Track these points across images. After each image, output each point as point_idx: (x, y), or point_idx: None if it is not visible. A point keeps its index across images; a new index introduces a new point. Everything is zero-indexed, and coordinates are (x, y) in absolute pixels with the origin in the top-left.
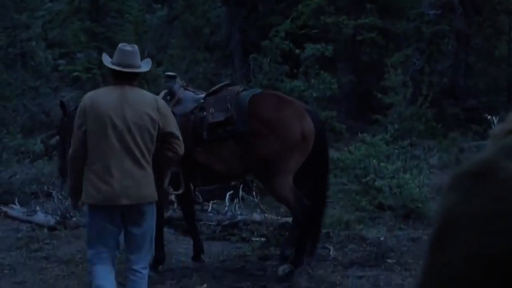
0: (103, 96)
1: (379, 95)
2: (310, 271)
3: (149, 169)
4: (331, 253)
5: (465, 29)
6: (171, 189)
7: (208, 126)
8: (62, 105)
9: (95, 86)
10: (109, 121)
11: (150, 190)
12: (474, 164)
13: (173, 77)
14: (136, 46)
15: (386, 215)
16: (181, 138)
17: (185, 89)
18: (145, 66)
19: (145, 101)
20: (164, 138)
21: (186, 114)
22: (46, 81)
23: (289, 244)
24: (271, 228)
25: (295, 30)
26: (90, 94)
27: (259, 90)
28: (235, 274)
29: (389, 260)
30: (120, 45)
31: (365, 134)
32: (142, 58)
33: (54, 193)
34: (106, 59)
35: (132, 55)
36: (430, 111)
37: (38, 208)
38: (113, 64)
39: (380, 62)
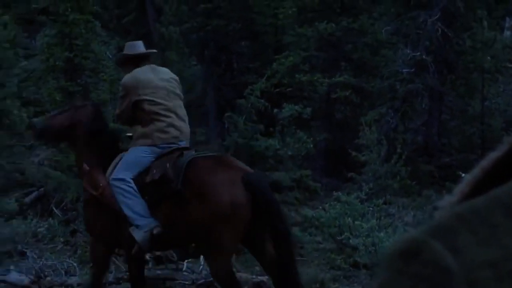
0: None
1: (354, 153)
2: None
3: None
4: None
5: (438, 87)
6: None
7: (147, 185)
8: None
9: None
10: None
11: None
12: (404, 242)
13: None
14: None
15: (361, 274)
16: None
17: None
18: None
19: None
20: None
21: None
22: (21, 139)
23: None
24: (246, 287)
25: (270, 89)
26: None
27: (209, 154)
28: None
29: None
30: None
31: (339, 193)
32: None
33: (28, 252)
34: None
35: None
36: (405, 169)
37: (12, 267)
38: None
39: (355, 120)
